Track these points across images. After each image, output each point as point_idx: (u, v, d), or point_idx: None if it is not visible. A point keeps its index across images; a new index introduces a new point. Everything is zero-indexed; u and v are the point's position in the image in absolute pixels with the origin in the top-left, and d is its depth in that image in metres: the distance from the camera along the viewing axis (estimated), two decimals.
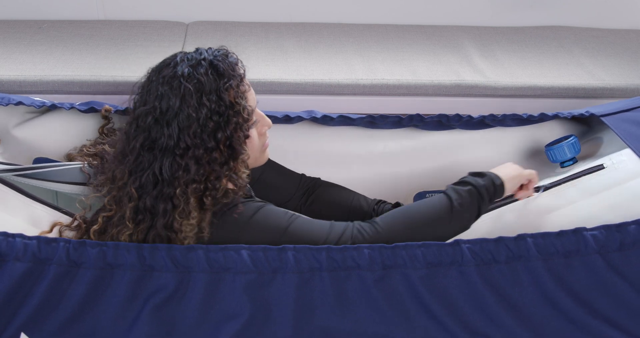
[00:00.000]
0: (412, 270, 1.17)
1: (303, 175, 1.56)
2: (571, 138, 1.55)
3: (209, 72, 1.14)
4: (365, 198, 1.52)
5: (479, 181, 1.26)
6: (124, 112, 1.54)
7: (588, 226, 1.21)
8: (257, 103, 1.24)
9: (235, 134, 1.16)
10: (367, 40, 2.28)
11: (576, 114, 1.64)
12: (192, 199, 1.14)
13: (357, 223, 1.21)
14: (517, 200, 1.38)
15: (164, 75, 1.15)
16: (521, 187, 1.36)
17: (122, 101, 1.47)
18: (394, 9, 2.47)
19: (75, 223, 1.26)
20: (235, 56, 1.21)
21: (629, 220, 1.22)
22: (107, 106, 1.54)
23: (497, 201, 1.35)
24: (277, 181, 1.52)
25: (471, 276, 1.18)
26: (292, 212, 1.22)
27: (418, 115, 1.63)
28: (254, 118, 1.21)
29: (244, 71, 1.21)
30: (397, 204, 1.48)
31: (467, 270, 1.18)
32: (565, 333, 1.21)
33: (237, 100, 1.16)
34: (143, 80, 1.19)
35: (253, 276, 1.15)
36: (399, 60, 2.15)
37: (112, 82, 1.96)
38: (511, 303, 1.19)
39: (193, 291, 1.15)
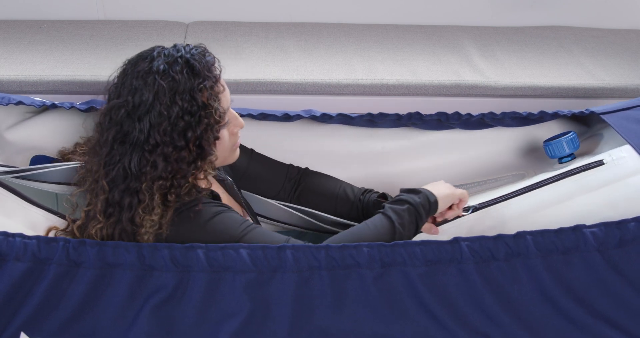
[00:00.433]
0: (411, 267, 1.17)
1: (290, 165, 1.55)
2: (570, 134, 1.54)
3: (185, 71, 1.14)
4: (351, 187, 1.52)
5: (415, 198, 1.26)
6: None
7: (587, 223, 1.21)
8: (232, 102, 1.24)
9: (205, 134, 1.16)
10: (367, 40, 2.28)
11: (576, 112, 1.64)
12: (157, 196, 1.15)
13: None
14: (446, 221, 1.38)
15: (139, 69, 1.15)
16: (451, 206, 1.35)
17: None
18: (394, 9, 2.47)
19: (69, 226, 1.26)
20: (212, 56, 1.21)
21: (629, 216, 1.22)
22: None
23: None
24: (264, 174, 1.52)
25: (470, 273, 1.18)
26: (251, 222, 1.22)
27: (417, 113, 1.63)
28: (226, 119, 1.21)
29: (220, 71, 1.21)
30: (383, 195, 1.48)
31: (466, 267, 1.18)
32: (563, 331, 1.21)
33: (210, 101, 1.16)
34: (119, 71, 1.19)
35: (253, 276, 1.15)
36: (399, 60, 2.15)
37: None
38: (510, 301, 1.19)
39: (193, 291, 1.15)
